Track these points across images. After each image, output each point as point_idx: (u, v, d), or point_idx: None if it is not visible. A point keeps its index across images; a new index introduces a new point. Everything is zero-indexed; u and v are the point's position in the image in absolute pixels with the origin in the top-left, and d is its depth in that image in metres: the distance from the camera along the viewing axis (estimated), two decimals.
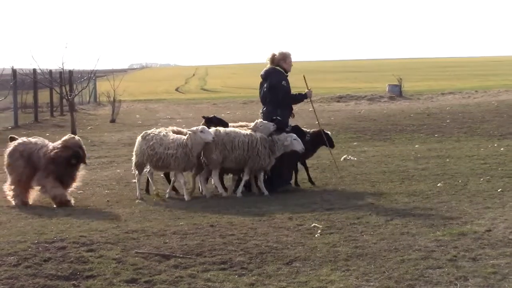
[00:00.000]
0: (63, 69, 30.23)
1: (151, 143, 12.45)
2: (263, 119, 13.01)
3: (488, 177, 13.15)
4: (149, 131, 12.72)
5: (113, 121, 32.16)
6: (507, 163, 14.91)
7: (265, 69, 13.48)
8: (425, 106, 35.00)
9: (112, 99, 34.31)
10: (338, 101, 41.00)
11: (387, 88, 44.78)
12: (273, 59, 13.39)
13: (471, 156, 16.38)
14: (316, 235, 9.16)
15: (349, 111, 33.74)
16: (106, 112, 36.20)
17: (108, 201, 12.44)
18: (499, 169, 14.12)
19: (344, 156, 17.13)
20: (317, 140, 13.86)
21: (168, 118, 32.26)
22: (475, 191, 11.83)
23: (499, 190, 11.72)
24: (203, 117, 13.81)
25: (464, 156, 16.35)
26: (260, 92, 13.60)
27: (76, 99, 34.24)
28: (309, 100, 13.98)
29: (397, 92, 43.30)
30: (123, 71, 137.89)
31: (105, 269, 7.80)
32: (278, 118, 12.91)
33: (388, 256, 8.05)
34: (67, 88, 34.35)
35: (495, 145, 18.75)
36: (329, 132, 14.07)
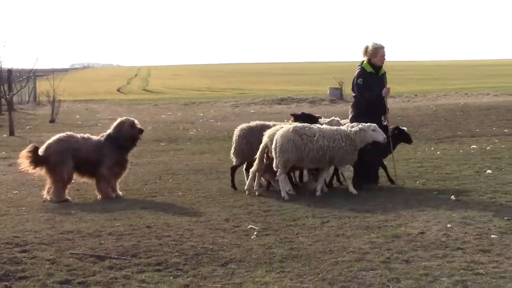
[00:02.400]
0: (1, 67, 29.81)
1: (311, 137, 12.07)
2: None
3: (424, 180, 13.32)
4: (298, 126, 12.20)
5: (52, 121, 31.80)
6: (443, 166, 15.12)
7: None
8: None
9: (52, 99, 33.93)
10: (280, 104, 41.16)
11: (328, 91, 45.11)
12: (365, 52, 13.17)
13: (408, 159, 16.59)
14: (252, 237, 9.19)
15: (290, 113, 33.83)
16: (45, 112, 35.75)
17: (44, 201, 12.30)
18: (435, 172, 14.31)
19: None
20: (398, 136, 13.53)
21: (109, 119, 31.95)
22: (410, 193, 11.97)
23: (434, 193, 11.88)
24: (292, 114, 13.84)
25: (401, 159, 16.52)
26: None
27: (15, 99, 33.73)
28: (384, 98, 13.42)
29: (338, 95, 43.65)
30: (64, 70, 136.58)
31: (38, 270, 7.74)
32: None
33: (323, 257, 8.11)
34: (5, 87, 33.84)
35: (432, 148, 19.00)
36: (405, 128, 13.82)
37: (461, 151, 18.03)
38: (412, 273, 7.41)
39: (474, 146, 18.76)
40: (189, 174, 15.32)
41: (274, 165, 12.23)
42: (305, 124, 12.39)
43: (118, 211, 11.16)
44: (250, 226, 9.76)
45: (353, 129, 12.21)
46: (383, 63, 13.22)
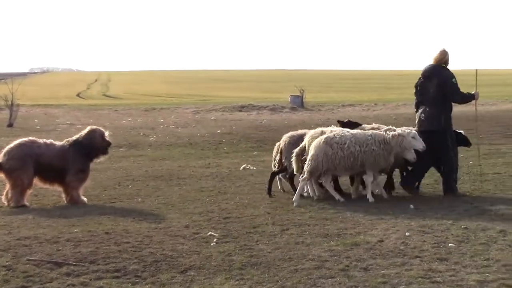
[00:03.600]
0: None
1: (341, 145, 12.04)
2: (426, 121, 12.79)
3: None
4: (329, 136, 12.18)
5: (10, 125, 31.50)
6: None
7: (428, 67, 13.05)
8: (325, 117, 35.54)
9: (10, 103, 33.60)
10: (240, 111, 41.20)
11: (289, 98, 45.24)
12: (442, 58, 12.92)
13: None
14: (212, 244, 9.16)
15: (251, 120, 33.96)
16: (3, 116, 35.40)
17: (1, 207, 12.16)
18: (395, 180, 14.35)
19: (244, 166, 17.21)
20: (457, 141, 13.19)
21: (68, 124, 31.82)
22: (370, 202, 12.02)
23: (393, 202, 11.95)
24: (338, 121, 13.80)
25: None
26: (418, 92, 13.20)
27: None
28: (475, 101, 13.35)
29: (298, 103, 43.80)
30: (23, 74, 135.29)
31: None
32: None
33: (282, 265, 8.10)
34: None
35: None
36: (462, 131, 13.68)
37: None
38: (370, 281, 7.43)
39: None
40: (149, 180, 15.27)
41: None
42: (339, 131, 12.43)
43: (77, 217, 11.07)
44: (210, 233, 9.73)
45: (390, 133, 12.20)
46: None
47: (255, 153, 21.15)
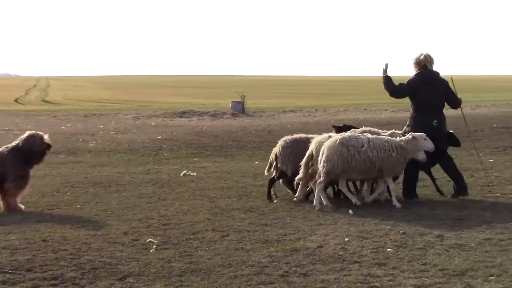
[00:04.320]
0: None
1: (358, 147, 11.95)
2: (440, 128, 12.88)
3: None
4: (345, 138, 12.10)
5: None
6: None
7: (429, 72, 13.03)
8: (266, 123, 35.63)
9: None
10: (181, 117, 41.01)
11: (230, 104, 45.23)
12: (432, 62, 13.05)
13: None
14: (151, 251, 9.11)
15: (192, 126, 33.87)
16: None
17: None
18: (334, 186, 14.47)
19: (184, 172, 17.14)
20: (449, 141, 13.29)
21: (6, 130, 31.28)
22: (309, 207, 12.05)
23: (332, 207, 12.01)
24: (333, 126, 13.70)
25: None
26: (420, 97, 12.93)
27: None
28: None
29: (239, 109, 43.80)
30: None
31: None
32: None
33: (222, 271, 8.10)
34: None
35: None
36: (452, 131, 13.58)
37: None
38: (310, 286, 7.47)
39: None
40: (88, 187, 15.11)
41: (317, 174, 12.26)
42: (354, 134, 12.40)
43: (13, 224, 10.90)
44: (149, 239, 9.67)
45: (404, 138, 12.22)
46: None
47: (196, 159, 21.09)
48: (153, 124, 35.84)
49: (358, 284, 7.51)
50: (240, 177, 16.37)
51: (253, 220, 11.04)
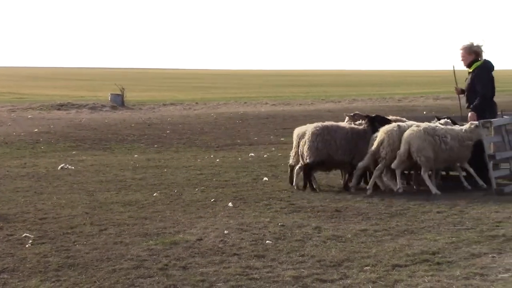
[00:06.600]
0: None
1: (443, 138, 12.22)
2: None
3: (202, 187, 13.49)
4: (428, 127, 12.32)
5: None
6: (221, 173, 15.43)
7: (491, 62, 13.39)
8: (146, 116, 35.43)
9: None
10: (59, 109, 40.25)
11: (110, 97, 44.70)
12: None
13: (188, 167, 16.77)
14: (27, 245, 8.93)
15: (70, 119, 33.30)
16: None
17: None
18: (214, 179, 14.57)
19: (62, 165, 16.86)
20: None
21: None
22: (189, 201, 12.08)
23: (212, 200, 12.05)
24: (366, 116, 13.33)
25: (181, 167, 16.71)
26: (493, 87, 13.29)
27: None
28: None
29: (119, 101, 43.35)
30: None
31: None
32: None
33: (100, 265, 8.01)
34: None
35: (212, 156, 19.36)
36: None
37: (239, 158, 18.50)
38: (189, 279, 7.48)
39: (252, 154, 19.33)
40: None
41: (395, 164, 12.38)
42: (433, 124, 12.61)
43: None
44: (25, 234, 9.48)
45: (467, 127, 12.47)
46: (464, 62, 13.47)
47: (74, 152, 20.77)
48: (29, 116, 35.02)
49: (237, 276, 7.56)
50: (119, 171, 16.24)
51: (132, 214, 10.97)
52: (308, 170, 12.99)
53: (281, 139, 23.96)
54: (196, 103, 46.63)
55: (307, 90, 70.70)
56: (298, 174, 13.24)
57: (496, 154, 12.49)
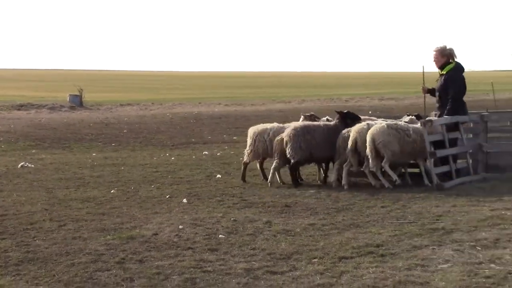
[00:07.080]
0: None
1: (406, 131, 12.85)
2: None
3: (158, 184, 13.79)
4: (391, 123, 12.96)
5: None
6: (176, 171, 15.74)
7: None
8: (104, 116, 35.58)
9: None
10: (19, 109, 40.25)
11: (68, 98, 44.73)
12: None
13: (144, 165, 17.05)
14: None
15: (30, 119, 33.37)
16: None
17: None
18: (169, 176, 14.85)
19: (22, 163, 17.02)
20: None
21: None
22: (145, 197, 12.36)
23: (167, 197, 12.32)
24: (337, 111, 13.76)
25: (138, 165, 16.97)
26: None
27: None
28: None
29: (77, 102, 43.45)
30: None
31: None
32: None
33: (59, 260, 8.25)
34: None
35: (167, 154, 19.67)
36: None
37: (194, 157, 18.85)
38: (145, 272, 7.73)
39: (206, 152, 19.70)
40: None
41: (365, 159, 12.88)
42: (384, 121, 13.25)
43: None
44: None
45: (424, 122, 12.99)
46: (436, 63, 13.99)
47: (34, 151, 20.93)
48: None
49: (192, 269, 7.83)
50: (78, 168, 16.46)
51: (91, 210, 11.23)
52: (294, 168, 13.50)
53: (234, 138, 24.41)
54: (152, 103, 46.89)
55: (258, 91, 71.23)
56: (273, 173, 13.60)
57: (436, 151, 13.00)
